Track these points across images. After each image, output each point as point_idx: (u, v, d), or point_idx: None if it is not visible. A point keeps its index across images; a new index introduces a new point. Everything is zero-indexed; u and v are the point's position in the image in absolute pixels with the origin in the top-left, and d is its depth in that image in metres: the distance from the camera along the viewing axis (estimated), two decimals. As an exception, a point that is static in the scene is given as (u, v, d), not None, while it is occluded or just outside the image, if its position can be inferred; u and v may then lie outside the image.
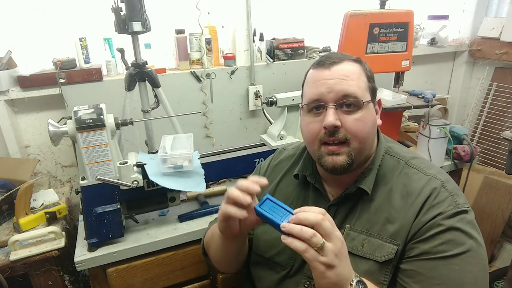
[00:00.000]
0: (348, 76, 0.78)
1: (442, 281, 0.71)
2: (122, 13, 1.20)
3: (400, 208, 0.78)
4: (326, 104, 0.78)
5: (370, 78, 0.83)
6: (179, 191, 1.26)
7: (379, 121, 0.86)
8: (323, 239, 0.64)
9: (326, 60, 0.80)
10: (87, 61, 1.57)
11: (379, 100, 0.87)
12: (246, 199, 0.72)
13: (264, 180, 0.75)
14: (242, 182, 0.74)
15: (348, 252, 0.79)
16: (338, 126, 0.76)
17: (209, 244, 0.99)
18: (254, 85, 1.86)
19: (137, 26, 1.20)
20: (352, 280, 0.67)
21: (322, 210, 0.67)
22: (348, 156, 0.78)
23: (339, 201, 0.85)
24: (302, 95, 0.88)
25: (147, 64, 1.32)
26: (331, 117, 0.76)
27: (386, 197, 0.81)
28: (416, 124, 2.03)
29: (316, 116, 0.80)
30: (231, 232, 0.80)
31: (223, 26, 1.84)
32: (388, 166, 0.85)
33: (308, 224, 0.65)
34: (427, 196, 0.77)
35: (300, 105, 0.88)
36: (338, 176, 0.83)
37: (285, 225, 0.66)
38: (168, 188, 1.13)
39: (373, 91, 0.83)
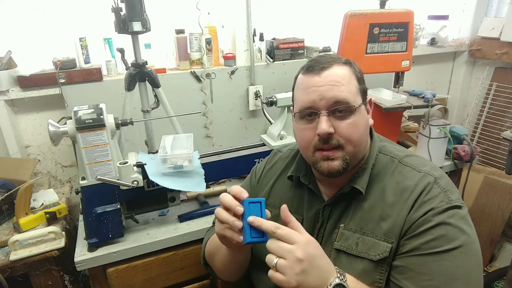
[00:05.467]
0: (338, 82, 0.78)
1: (433, 277, 0.71)
2: (122, 13, 1.20)
3: (394, 205, 0.79)
4: (318, 112, 0.78)
5: (360, 80, 0.83)
6: (179, 191, 1.27)
7: (371, 121, 0.87)
8: (276, 258, 0.67)
9: (316, 65, 0.80)
10: (87, 61, 1.57)
11: (370, 99, 0.87)
12: (236, 224, 0.72)
13: (245, 194, 0.74)
14: (225, 199, 0.74)
15: (343, 251, 0.80)
16: (331, 133, 0.77)
17: (213, 256, 0.98)
18: (254, 85, 1.86)
19: (137, 26, 1.20)
20: (330, 284, 0.67)
21: (274, 226, 0.68)
22: (343, 160, 0.78)
23: (334, 201, 0.86)
24: (293, 100, 0.87)
25: (147, 64, 1.32)
26: (324, 125, 0.76)
27: (380, 195, 0.81)
28: (416, 124, 2.03)
29: (309, 123, 0.80)
30: (231, 244, 0.80)
31: (223, 26, 1.84)
32: (381, 165, 0.85)
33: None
34: (419, 192, 0.77)
35: (291, 109, 0.89)
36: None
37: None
38: (168, 188, 1.13)
39: (363, 93, 0.83)
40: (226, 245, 0.83)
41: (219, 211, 0.75)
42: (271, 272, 0.67)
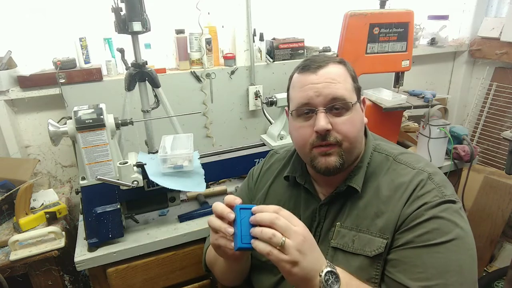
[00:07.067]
0: (335, 79, 0.79)
1: (425, 269, 0.71)
2: (122, 13, 1.20)
3: (388, 202, 0.79)
4: (316, 109, 0.78)
5: (354, 78, 0.85)
6: (179, 191, 1.27)
7: (366, 119, 0.88)
8: (283, 237, 0.63)
9: (311, 64, 0.81)
10: (87, 61, 1.57)
11: (363, 99, 0.89)
12: (228, 230, 0.71)
13: (238, 200, 0.73)
14: (217, 207, 0.73)
15: (339, 249, 0.81)
16: (329, 129, 0.77)
17: (213, 265, 1.00)
18: (254, 85, 1.86)
19: (137, 26, 1.20)
20: (322, 271, 0.66)
21: (276, 207, 0.67)
22: (339, 156, 0.79)
23: (330, 200, 0.86)
24: (288, 100, 0.88)
25: (147, 64, 1.32)
26: (322, 121, 0.77)
27: (375, 193, 0.82)
28: (416, 124, 2.03)
29: (306, 121, 0.81)
30: (227, 255, 0.79)
31: (223, 26, 1.84)
32: (376, 163, 0.86)
33: (264, 225, 0.65)
34: (413, 188, 0.78)
35: (286, 109, 0.89)
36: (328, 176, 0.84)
37: (252, 230, 0.67)
38: (168, 188, 1.13)
39: (358, 91, 0.85)
40: (222, 256, 0.82)
41: (211, 219, 0.74)
42: (275, 252, 0.64)
